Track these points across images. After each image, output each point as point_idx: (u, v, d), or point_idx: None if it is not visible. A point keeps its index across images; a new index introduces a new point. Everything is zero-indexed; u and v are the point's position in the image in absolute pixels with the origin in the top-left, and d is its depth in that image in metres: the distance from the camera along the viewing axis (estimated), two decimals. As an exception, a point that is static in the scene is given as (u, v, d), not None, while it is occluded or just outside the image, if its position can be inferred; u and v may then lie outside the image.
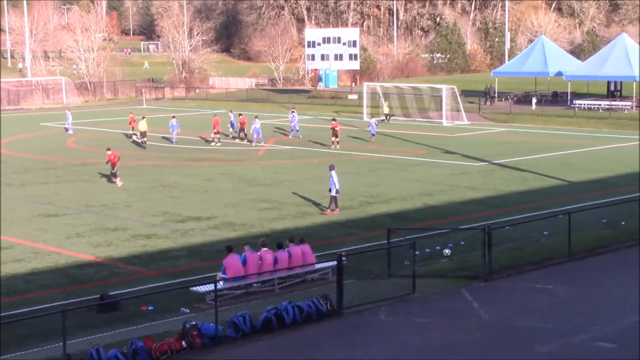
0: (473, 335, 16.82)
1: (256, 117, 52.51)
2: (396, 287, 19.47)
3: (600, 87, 73.93)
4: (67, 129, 59.75)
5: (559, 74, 71.17)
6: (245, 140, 52.41)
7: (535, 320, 17.45)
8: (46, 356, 16.06)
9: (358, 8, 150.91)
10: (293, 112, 56.47)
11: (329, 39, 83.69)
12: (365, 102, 67.31)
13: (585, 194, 33.58)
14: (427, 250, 24.44)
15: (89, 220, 30.54)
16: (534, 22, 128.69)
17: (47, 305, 20.45)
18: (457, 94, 64.74)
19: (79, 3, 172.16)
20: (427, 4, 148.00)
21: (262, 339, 16.86)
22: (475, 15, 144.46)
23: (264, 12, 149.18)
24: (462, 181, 37.23)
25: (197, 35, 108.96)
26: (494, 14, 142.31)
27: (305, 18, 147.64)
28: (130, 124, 55.93)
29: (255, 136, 50.83)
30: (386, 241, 22.05)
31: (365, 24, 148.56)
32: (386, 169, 41.22)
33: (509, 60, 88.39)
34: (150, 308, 20.06)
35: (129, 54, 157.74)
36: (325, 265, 22.13)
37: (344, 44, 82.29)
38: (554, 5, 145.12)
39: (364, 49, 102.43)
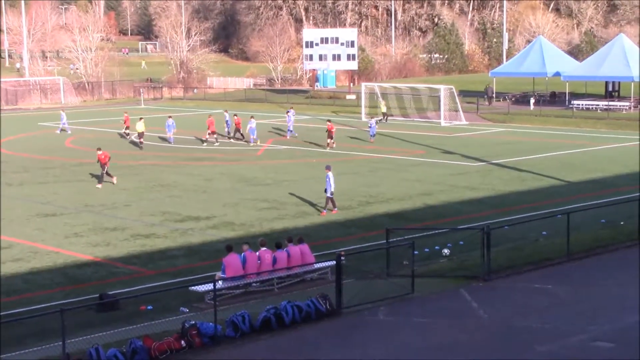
0: (472, 335, 16.82)
1: (252, 116, 52.52)
2: (395, 287, 19.47)
3: (599, 87, 73.98)
4: (61, 129, 59.61)
5: (557, 74, 71.22)
6: (243, 140, 52.36)
7: (534, 320, 17.45)
8: (45, 355, 16.04)
9: (356, 8, 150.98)
10: (288, 112, 56.42)
11: (327, 39, 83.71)
12: (363, 102, 67.35)
13: (583, 194, 33.61)
14: (426, 250, 24.45)
15: (87, 219, 30.52)
16: (532, 22, 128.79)
17: (45, 305, 20.43)
18: (455, 94, 64.79)
19: (76, 3, 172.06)
20: (425, 5, 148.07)
21: (261, 338, 16.86)
22: (473, 16, 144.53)
23: (262, 12, 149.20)
24: (461, 181, 37.25)
25: (195, 35, 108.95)
26: (492, 14, 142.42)
27: (304, 18, 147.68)
28: (124, 123, 55.81)
29: (250, 136, 50.84)
30: (385, 241, 22.05)
31: (363, 24, 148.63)
32: (385, 169, 41.23)
33: (507, 61, 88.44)
34: (149, 307, 20.06)
35: (127, 54, 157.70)
36: (324, 265, 22.14)
37: (342, 44, 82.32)
38: (552, 5, 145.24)
39: (362, 49, 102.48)
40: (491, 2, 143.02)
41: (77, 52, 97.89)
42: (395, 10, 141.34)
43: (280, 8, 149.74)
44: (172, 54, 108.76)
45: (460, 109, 63.43)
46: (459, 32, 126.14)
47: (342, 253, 19.37)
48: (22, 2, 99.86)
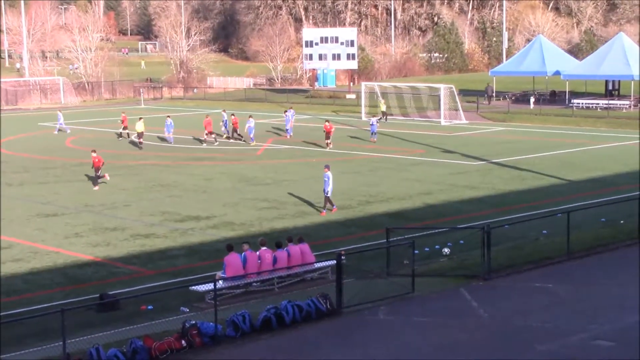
0: (472, 334, 16.82)
1: (250, 116, 52.47)
2: (395, 286, 19.47)
3: (598, 86, 73.97)
4: (58, 130, 59.62)
5: (557, 73, 71.23)
6: (241, 140, 52.31)
7: (534, 319, 17.45)
8: (46, 355, 16.04)
9: (356, 8, 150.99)
10: (286, 112, 56.41)
11: (326, 38, 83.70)
12: (363, 101, 67.35)
13: (583, 193, 33.61)
14: (426, 249, 24.45)
15: (87, 220, 30.53)
16: (531, 21, 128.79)
17: (46, 305, 20.44)
18: (455, 93, 64.79)
19: (76, 3, 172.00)
20: (424, 4, 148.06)
21: (262, 338, 16.86)
22: (473, 15, 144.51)
23: (261, 12, 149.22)
24: (461, 180, 37.25)
25: (194, 35, 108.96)
26: (491, 13, 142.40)
27: (303, 18, 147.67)
28: (122, 123, 55.77)
29: (249, 136, 50.77)
30: (385, 240, 22.05)
31: (362, 23, 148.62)
32: (385, 168, 41.23)
33: (506, 60, 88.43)
34: (149, 307, 20.06)
35: (127, 54, 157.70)
36: (324, 264, 22.14)
37: (342, 43, 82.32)
38: (551, 4, 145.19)
39: (361, 49, 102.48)
40: (491, 1, 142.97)
41: (77, 52, 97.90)
42: (394, 10, 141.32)
43: (280, 7, 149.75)
44: (172, 53, 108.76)
45: (460, 108, 63.44)
46: (458, 31, 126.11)
47: (343, 252, 19.37)
48: (22, 2, 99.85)
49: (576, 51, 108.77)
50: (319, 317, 17.89)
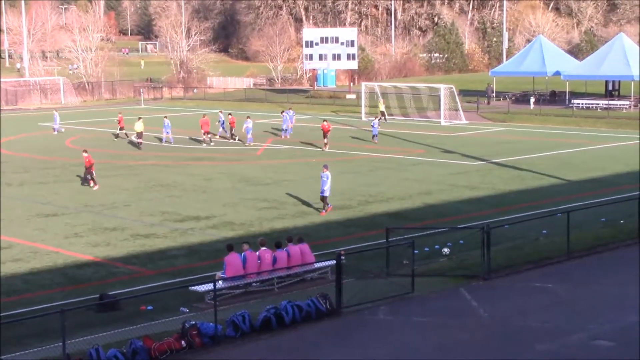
0: (472, 334, 16.82)
1: (248, 116, 52.40)
2: (395, 286, 19.47)
3: (599, 86, 73.96)
4: (55, 130, 59.61)
5: (557, 73, 71.23)
6: (237, 139, 52.23)
7: (534, 319, 17.45)
8: (45, 356, 16.04)
9: (356, 8, 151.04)
10: (283, 112, 56.37)
11: (326, 38, 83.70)
12: (363, 101, 67.34)
13: (583, 193, 33.62)
14: (426, 249, 24.45)
15: (87, 220, 30.53)
16: (531, 21, 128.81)
17: (46, 305, 20.44)
18: (455, 94, 64.79)
19: (76, 3, 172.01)
20: (425, 4, 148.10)
21: (262, 338, 16.86)
22: (473, 15, 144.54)
23: (261, 12, 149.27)
24: (461, 180, 37.25)
25: (195, 35, 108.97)
26: (491, 13, 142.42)
27: (303, 18, 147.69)
28: (119, 123, 55.72)
29: (247, 136, 50.72)
30: (385, 240, 22.05)
31: (363, 23, 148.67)
32: (385, 168, 41.23)
33: (507, 60, 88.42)
34: (149, 308, 20.06)
35: (127, 54, 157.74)
36: (324, 264, 22.14)
37: (342, 43, 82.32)
38: (551, 5, 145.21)
39: (361, 49, 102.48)
40: (491, 1, 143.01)
41: (77, 52, 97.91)
42: (395, 10, 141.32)
43: (280, 8, 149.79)
44: (172, 53, 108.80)
45: (460, 108, 63.44)
46: (458, 31, 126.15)
47: (342, 252, 19.37)
48: (22, 2, 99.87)
49: (576, 51, 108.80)
50: (318, 317, 17.89)
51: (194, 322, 16.62)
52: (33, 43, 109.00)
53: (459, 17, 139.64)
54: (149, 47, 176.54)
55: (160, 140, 52.36)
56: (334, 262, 19.09)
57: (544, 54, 73.36)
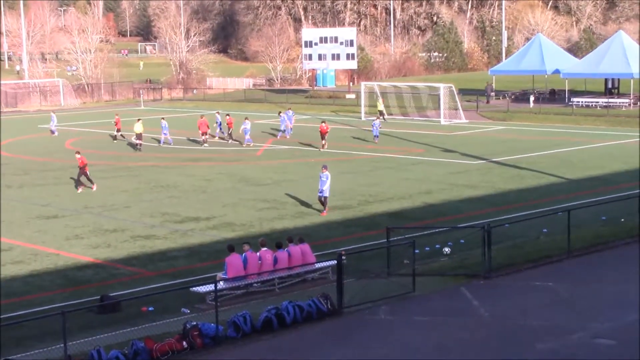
0: (473, 333, 16.83)
1: (246, 118, 52.32)
2: (396, 285, 19.49)
3: (598, 84, 73.96)
4: (52, 131, 59.60)
5: (557, 71, 71.23)
6: (232, 140, 52.19)
7: (534, 317, 17.46)
8: (47, 357, 16.04)
9: (355, 7, 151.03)
10: (280, 113, 56.35)
11: (326, 38, 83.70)
12: (363, 101, 67.34)
13: (583, 192, 33.62)
14: (427, 248, 24.44)
15: (87, 221, 30.53)
16: (530, 20, 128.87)
17: (46, 307, 20.44)
18: (455, 93, 64.78)
19: (75, 5, 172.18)
20: (424, 3, 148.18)
21: (263, 338, 16.87)
22: (472, 14, 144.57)
23: (260, 13, 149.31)
24: (461, 179, 37.25)
25: (194, 36, 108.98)
26: (490, 12, 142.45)
27: (302, 18, 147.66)
28: (116, 125, 55.67)
29: (245, 137, 50.67)
30: (385, 240, 22.06)
31: (362, 23, 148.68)
32: (385, 167, 41.23)
33: (506, 59, 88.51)
34: (150, 309, 20.06)
35: (127, 55, 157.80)
36: (325, 264, 22.13)
37: (341, 43, 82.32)
38: (550, 3, 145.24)
39: (361, 49, 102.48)
40: (490, 0, 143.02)
41: (77, 54, 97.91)
42: (394, 9, 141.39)
43: (279, 8, 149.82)
44: (172, 54, 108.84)
45: (459, 107, 63.44)
46: (458, 30, 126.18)
47: (343, 252, 19.38)
48: (21, 4, 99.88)
49: (575, 49, 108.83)
50: (319, 317, 17.91)
51: (195, 323, 16.63)
52: (32, 45, 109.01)
53: (458, 16, 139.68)
54: (148, 48, 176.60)
55: (159, 141, 52.32)
56: (335, 262, 19.11)
57: (543, 52, 73.36)
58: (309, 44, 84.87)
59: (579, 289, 19.84)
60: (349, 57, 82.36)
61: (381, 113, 63.35)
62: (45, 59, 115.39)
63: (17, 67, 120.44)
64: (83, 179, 37.12)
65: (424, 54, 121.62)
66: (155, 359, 15.78)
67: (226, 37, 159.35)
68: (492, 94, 76.76)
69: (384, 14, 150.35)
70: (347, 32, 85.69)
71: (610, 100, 67.38)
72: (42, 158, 47.80)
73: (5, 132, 60.97)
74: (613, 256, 22.80)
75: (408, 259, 20.73)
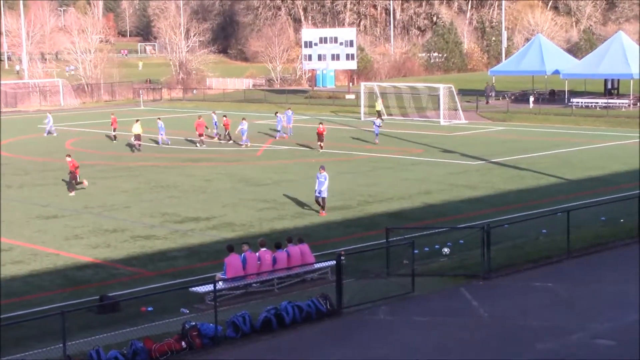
0: (472, 333, 16.83)
1: (243, 118, 52.27)
2: (395, 286, 19.49)
3: (598, 85, 73.97)
4: (48, 132, 59.51)
5: (556, 72, 71.23)
6: (230, 141, 52.16)
7: (534, 318, 17.46)
8: (46, 357, 16.04)
9: (355, 8, 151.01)
10: (277, 113, 56.29)
11: (325, 39, 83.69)
12: (362, 101, 67.33)
13: (583, 192, 33.63)
14: (426, 249, 24.44)
15: (87, 221, 30.53)
16: (530, 20, 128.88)
17: (46, 307, 20.44)
18: (455, 93, 64.79)
19: (75, 5, 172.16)
20: (423, 4, 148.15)
21: (262, 339, 16.87)
22: (472, 15, 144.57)
23: (260, 13, 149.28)
24: (461, 180, 37.25)
25: (194, 36, 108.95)
26: (490, 13, 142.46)
27: (302, 18, 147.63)
28: (112, 124, 55.62)
29: (242, 137, 50.64)
30: (385, 240, 22.05)
31: (362, 23, 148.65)
32: (384, 168, 41.23)
33: (506, 59, 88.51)
34: (149, 309, 20.06)
35: (126, 55, 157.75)
36: (324, 264, 22.14)
37: (341, 43, 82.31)
38: (550, 3, 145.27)
39: (360, 49, 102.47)
40: (490, 0, 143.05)
41: (76, 54, 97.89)
42: (393, 10, 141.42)
43: (279, 8, 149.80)
44: (171, 55, 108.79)
45: (459, 108, 63.44)
46: (457, 30, 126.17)
47: (342, 253, 19.38)
48: (21, 4, 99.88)
49: (575, 50, 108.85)
50: (319, 317, 17.91)
51: (194, 323, 16.63)
52: (32, 45, 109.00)
53: (457, 17, 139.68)
54: (148, 48, 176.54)
55: (156, 142, 52.31)
56: (334, 262, 19.10)
57: (543, 52, 73.36)
58: (308, 45, 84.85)
59: (579, 289, 19.84)
60: (349, 57, 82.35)
61: (379, 113, 63.30)
62: (45, 59, 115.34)
63: (17, 67, 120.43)
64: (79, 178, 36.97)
65: (423, 55, 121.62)
66: (154, 359, 15.77)
67: (226, 37, 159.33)
68: (493, 94, 76.78)
69: (383, 15, 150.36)
70: (347, 33, 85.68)
71: (610, 100, 67.38)
72: (42, 158, 47.80)
73: (5, 132, 60.96)
74: (613, 257, 22.80)
75: (407, 260, 20.73)
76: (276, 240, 22.91)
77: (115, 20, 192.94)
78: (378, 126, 50.83)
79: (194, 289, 19.89)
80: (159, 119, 53.59)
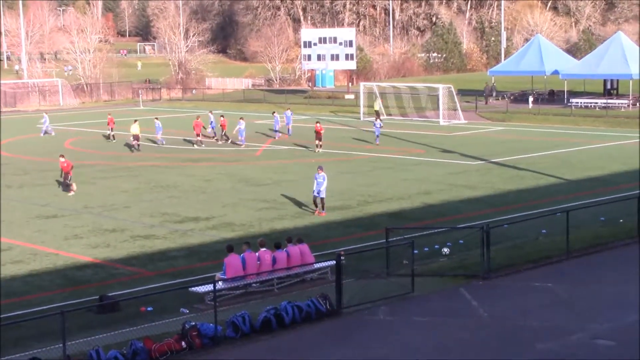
0: (472, 333, 16.83)
1: (241, 118, 52.23)
2: (395, 286, 19.49)
3: (597, 85, 73.98)
4: (45, 132, 59.46)
5: (556, 72, 71.24)
6: (229, 141, 52.13)
7: (534, 318, 17.46)
8: (46, 357, 16.02)
9: (354, 8, 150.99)
10: (275, 113, 56.33)
11: (325, 39, 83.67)
12: (362, 102, 67.32)
13: (582, 192, 33.63)
14: (426, 249, 24.45)
15: (87, 221, 30.53)
16: (529, 21, 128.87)
17: (45, 307, 20.44)
18: (454, 93, 64.80)
19: (74, 4, 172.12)
20: (423, 4, 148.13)
21: (262, 339, 16.87)
22: (471, 15, 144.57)
23: (259, 13, 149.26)
24: (460, 180, 37.26)
25: (193, 36, 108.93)
26: (489, 13, 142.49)
27: (301, 18, 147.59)
28: (108, 124, 55.58)
29: (239, 138, 50.61)
30: (385, 240, 22.06)
31: (361, 23, 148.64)
32: (384, 168, 41.24)
33: (505, 59, 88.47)
34: (149, 309, 20.06)
35: (125, 55, 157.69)
36: (324, 264, 22.14)
37: (340, 44, 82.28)
38: (549, 4, 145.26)
39: (360, 49, 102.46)
40: (489, 0, 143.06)
41: (76, 54, 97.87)
42: (393, 10, 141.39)
43: (278, 8, 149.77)
44: (171, 55, 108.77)
45: (459, 108, 63.44)
46: (457, 31, 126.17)
47: (342, 253, 19.38)
48: (20, 4, 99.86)
49: (574, 50, 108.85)
50: (318, 317, 17.91)
51: (194, 323, 16.63)
52: (31, 45, 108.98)
53: (457, 17, 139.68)
54: (147, 48, 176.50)
55: (155, 142, 52.29)
56: (334, 262, 19.11)
57: (542, 53, 73.37)
58: (308, 45, 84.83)
59: (578, 289, 19.85)
60: (348, 57, 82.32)
61: (378, 113, 63.21)
62: (44, 59, 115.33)
63: (16, 67, 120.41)
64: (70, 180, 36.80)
65: (423, 55, 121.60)
66: (154, 359, 15.77)
67: (225, 37, 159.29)
68: (494, 94, 76.77)
69: (383, 15, 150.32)
70: (346, 33, 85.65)
71: (609, 101, 67.40)
72: (42, 158, 47.79)
73: (5, 132, 60.93)
74: (612, 257, 22.81)
75: (407, 260, 20.73)
76: (276, 240, 22.92)
77: (115, 20, 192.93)
78: (379, 127, 50.77)
79: (193, 289, 19.88)
80: (156, 118, 53.56)
